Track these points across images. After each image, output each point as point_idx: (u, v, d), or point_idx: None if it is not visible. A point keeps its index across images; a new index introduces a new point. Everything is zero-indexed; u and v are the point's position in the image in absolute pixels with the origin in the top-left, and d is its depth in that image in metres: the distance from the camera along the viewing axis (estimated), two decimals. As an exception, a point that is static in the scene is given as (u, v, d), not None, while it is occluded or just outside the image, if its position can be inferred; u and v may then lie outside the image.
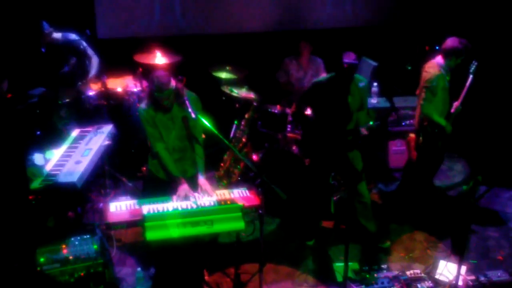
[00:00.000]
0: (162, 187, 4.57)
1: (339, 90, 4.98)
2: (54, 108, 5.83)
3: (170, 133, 4.54)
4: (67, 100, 5.88)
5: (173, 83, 4.36)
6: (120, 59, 6.51)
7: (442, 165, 6.28)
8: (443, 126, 5.39)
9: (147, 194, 4.72)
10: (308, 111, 5.52)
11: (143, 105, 4.56)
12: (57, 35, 6.02)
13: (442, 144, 5.58)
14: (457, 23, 7.35)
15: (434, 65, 5.43)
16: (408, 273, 4.81)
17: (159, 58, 6.18)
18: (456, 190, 6.51)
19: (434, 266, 4.97)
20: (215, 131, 4.48)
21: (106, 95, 6.06)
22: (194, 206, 4.33)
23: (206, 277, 4.81)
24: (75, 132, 5.34)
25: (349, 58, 4.85)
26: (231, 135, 6.19)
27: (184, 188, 4.46)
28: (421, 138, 5.55)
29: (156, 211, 4.21)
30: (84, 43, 6.15)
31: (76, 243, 4.03)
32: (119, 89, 6.27)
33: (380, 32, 7.76)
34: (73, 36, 6.11)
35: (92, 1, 6.92)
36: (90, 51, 6.17)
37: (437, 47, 6.20)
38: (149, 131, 4.55)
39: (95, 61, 6.18)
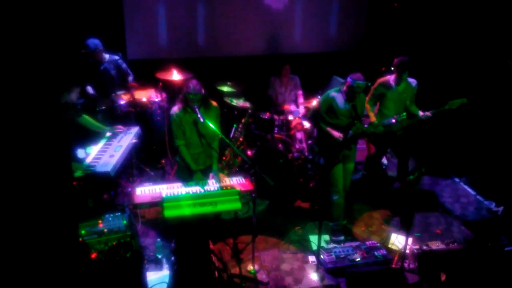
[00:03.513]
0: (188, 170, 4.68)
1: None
2: (93, 114, 5.80)
3: (193, 132, 4.57)
4: (103, 107, 5.85)
5: (202, 90, 4.43)
6: (144, 75, 6.48)
7: (395, 160, 6.28)
8: None
9: (179, 176, 4.85)
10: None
11: (175, 109, 4.58)
12: (105, 55, 6.02)
13: None
14: (407, 48, 7.38)
15: None
16: (367, 243, 4.83)
17: (175, 75, 6.16)
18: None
19: (388, 238, 5.00)
20: (219, 132, 4.49)
21: (134, 103, 6.03)
22: (202, 190, 4.33)
23: (211, 246, 4.80)
24: (109, 133, 5.31)
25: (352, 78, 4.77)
26: (231, 135, 6.18)
27: (197, 176, 4.50)
28: None
29: (172, 194, 4.20)
30: (124, 64, 6.16)
31: (110, 219, 4.00)
32: (144, 99, 6.25)
33: (344, 56, 7.78)
34: (116, 57, 6.12)
35: (123, 30, 6.89)
36: (128, 70, 6.19)
37: (391, 68, 6.20)
38: (174, 130, 4.59)
39: (130, 78, 6.18)
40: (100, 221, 3.98)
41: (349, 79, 4.75)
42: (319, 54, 7.76)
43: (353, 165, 5.16)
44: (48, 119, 3.64)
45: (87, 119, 4.92)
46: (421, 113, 5.33)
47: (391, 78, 5.42)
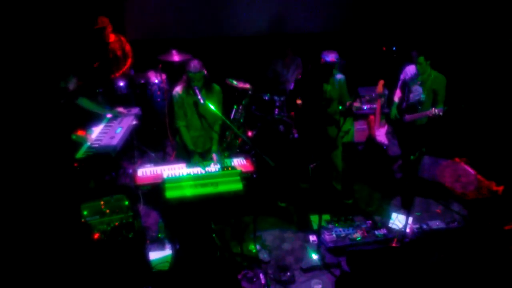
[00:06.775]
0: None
1: (318, 82, 4.91)
2: (93, 95, 5.78)
3: (194, 114, 4.57)
4: (103, 89, 5.84)
5: (204, 70, 4.43)
6: (144, 56, 6.44)
7: (395, 140, 6.29)
8: None
9: (178, 157, 4.89)
10: (298, 101, 5.40)
11: (178, 89, 4.58)
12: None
13: None
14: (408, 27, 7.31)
15: None
16: (368, 222, 4.87)
17: (175, 56, 6.11)
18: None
19: (388, 217, 5.03)
20: (220, 114, 4.48)
21: (134, 85, 6.01)
22: (203, 171, 4.34)
23: (212, 226, 4.84)
24: (109, 114, 5.30)
25: (327, 56, 4.78)
26: (232, 116, 6.17)
27: (196, 159, 4.52)
28: None
29: (173, 175, 4.21)
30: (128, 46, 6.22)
31: (112, 200, 4.02)
32: (143, 81, 6.23)
33: (346, 36, 7.71)
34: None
35: (123, 10, 6.82)
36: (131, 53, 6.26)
37: (394, 48, 6.13)
38: (176, 110, 4.61)
39: (131, 60, 6.19)
40: (102, 202, 4.01)
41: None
42: (318, 34, 7.69)
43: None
44: (47, 105, 3.64)
45: (85, 101, 4.91)
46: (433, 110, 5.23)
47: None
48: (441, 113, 5.04)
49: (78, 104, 4.81)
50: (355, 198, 5.56)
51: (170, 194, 4.04)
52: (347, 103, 4.88)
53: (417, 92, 5.23)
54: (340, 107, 5.03)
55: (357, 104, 4.85)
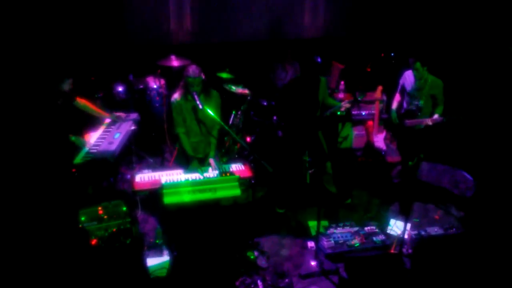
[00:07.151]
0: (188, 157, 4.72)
1: (310, 85, 4.92)
2: (91, 100, 5.77)
3: (193, 119, 4.57)
4: (101, 94, 5.84)
5: (202, 75, 4.45)
6: (143, 62, 6.44)
7: (393, 146, 6.30)
8: None
9: (178, 163, 4.90)
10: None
11: (176, 95, 4.58)
12: None
13: None
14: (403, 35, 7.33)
15: None
16: (366, 228, 4.85)
17: (174, 62, 6.12)
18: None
19: (386, 223, 5.02)
20: (218, 119, 4.48)
21: (132, 90, 6.01)
22: (201, 177, 4.34)
23: (209, 232, 4.83)
24: (108, 119, 5.30)
25: (317, 59, 4.80)
26: (230, 122, 6.17)
27: (194, 165, 4.51)
28: None
29: (171, 181, 4.21)
30: None
31: (110, 205, 4.01)
32: (142, 86, 6.23)
33: (345, 41, 7.73)
34: None
35: (122, 14, 6.82)
36: None
37: (392, 54, 6.13)
38: (174, 117, 4.61)
39: None
40: (100, 208, 4.00)
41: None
42: (320, 40, 7.71)
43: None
44: (44, 106, 3.63)
45: (83, 103, 4.89)
46: (435, 117, 5.24)
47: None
48: (438, 120, 5.05)
49: (75, 106, 4.80)
50: (354, 204, 5.55)
51: (168, 199, 4.03)
52: (342, 107, 4.91)
53: (416, 97, 5.25)
54: (328, 113, 5.04)
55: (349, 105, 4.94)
